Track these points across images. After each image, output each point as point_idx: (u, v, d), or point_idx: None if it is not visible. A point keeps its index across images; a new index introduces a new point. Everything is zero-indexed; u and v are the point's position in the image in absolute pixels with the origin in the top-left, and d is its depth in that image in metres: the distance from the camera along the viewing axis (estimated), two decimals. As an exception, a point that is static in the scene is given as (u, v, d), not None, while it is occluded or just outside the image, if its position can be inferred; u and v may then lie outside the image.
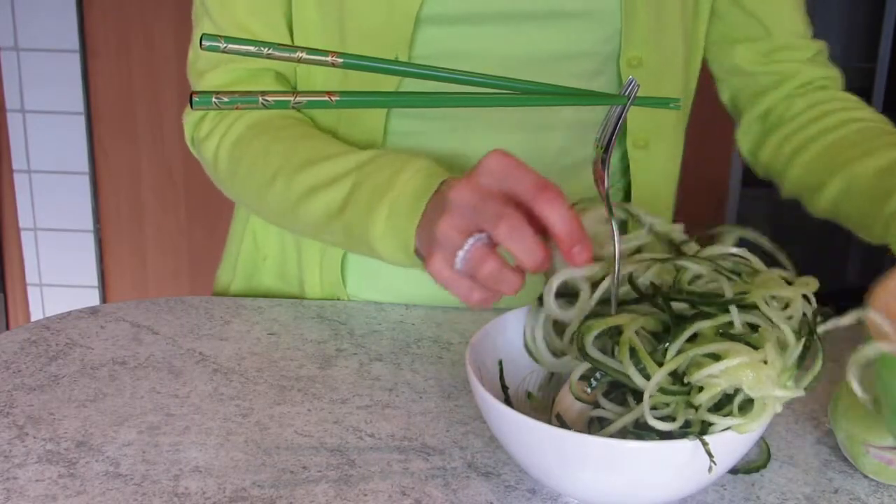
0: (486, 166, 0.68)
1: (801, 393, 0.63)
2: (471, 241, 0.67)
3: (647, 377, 0.62)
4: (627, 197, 1.00)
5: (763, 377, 0.61)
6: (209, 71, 0.93)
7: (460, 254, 0.67)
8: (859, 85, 3.32)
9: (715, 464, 0.62)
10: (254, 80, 0.93)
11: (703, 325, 0.63)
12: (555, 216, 0.65)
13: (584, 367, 0.65)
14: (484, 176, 0.68)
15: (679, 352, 0.62)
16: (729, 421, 0.62)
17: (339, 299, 0.98)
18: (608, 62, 0.92)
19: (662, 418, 0.63)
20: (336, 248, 0.95)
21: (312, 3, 0.90)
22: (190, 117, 0.96)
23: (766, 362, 0.61)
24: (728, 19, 0.99)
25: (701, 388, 0.61)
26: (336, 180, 0.82)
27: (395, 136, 0.93)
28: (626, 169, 0.99)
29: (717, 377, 0.61)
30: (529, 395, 0.74)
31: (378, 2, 0.87)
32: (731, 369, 0.61)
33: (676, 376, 0.62)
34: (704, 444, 0.61)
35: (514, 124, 0.92)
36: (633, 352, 0.62)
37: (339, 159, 0.84)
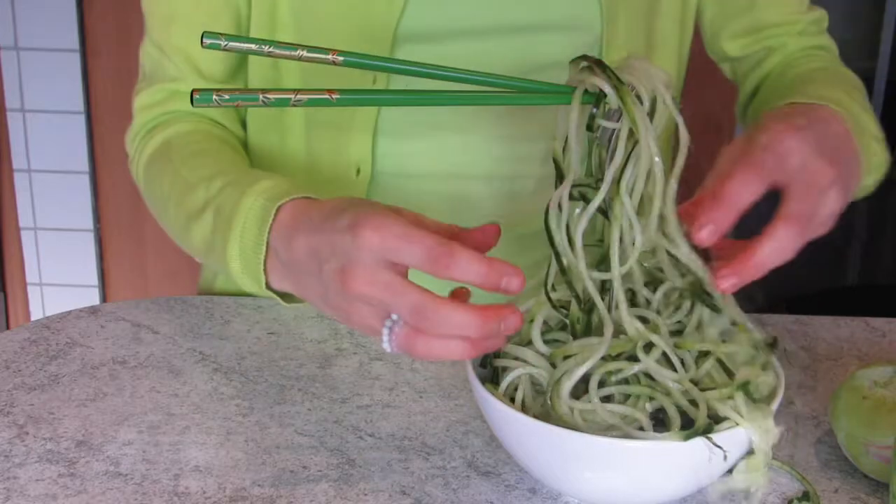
0: (362, 247, 0.61)
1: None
2: (385, 330, 0.63)
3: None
4: None
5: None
6: (143, 90, 0.95)
7: (384, 345, 0.63)
8: (859, 84, 3.31)
9: (726, 457, 0.62)
10: (181, 98, 0.93)
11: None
12: (464, 276, 0.60)
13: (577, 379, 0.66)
14: (367, 257, 0.61)
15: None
16: (732, 413, 0.62)
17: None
18: None
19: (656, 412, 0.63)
20: None
21: (290, 26, 0.89)
22: (126, 138, 0.96)
23: None
24: (718, 2, 0.99)
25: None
26: (203, 210, 0.80)
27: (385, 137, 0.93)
28: None
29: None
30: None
31: (354, 22, 0.86)
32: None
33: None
34: (711, 440, 0.61)
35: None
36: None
37: (208, 185, 0.81)
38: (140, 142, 0.94)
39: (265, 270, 0.73)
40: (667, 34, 0.95)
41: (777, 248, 0.64)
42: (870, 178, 0.85)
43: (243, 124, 0.98)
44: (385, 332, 0.63)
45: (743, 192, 0.65)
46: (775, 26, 0.99)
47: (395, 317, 0.62)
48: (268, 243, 0.72)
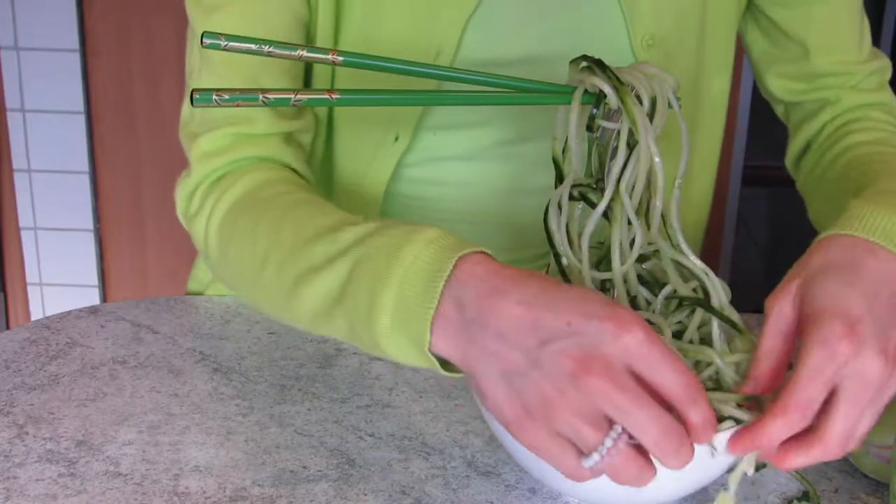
0: (627, 347, 0.56)
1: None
2: (608, 441, 0.56)
3: None
4: None
5: None
6: (202, 134, 0.82)
7: (594, 456, 0.57)
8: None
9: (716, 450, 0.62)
10: (250, 143, 0.82)
11: None
12: (696, 420, 0.57)
13: None
14: (621, 357, 0.56)
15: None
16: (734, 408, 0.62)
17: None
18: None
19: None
20: None
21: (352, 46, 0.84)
22: (182, 190, 0.83)
23: None
24: (768, 37, 0.95)
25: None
26: (332, 261, 0.67)
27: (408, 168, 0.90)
28: None
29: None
30: None
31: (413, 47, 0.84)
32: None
33: None
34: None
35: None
36: None
37: (336, 234, 0.69)
38: (208, 196, 0.81)
39: (432, 331, 0.61)
40: (714, 93, 0.92)
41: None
42: None
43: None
44: (607, 443, 0.56)
45: (808, 405, 0.60)
46: (831, 76, 0.93)
47: (619, 429, 0.56)
48: (441, 296, 0.60)
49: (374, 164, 0.90)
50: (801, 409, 0.59)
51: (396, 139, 0.88)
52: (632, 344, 0.55)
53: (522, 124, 0.88)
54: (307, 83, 0.88)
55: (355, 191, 0.91)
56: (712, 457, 0.62)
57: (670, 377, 0.56)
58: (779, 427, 0.59)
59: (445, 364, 0.62)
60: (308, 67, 0.87)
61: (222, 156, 0.81)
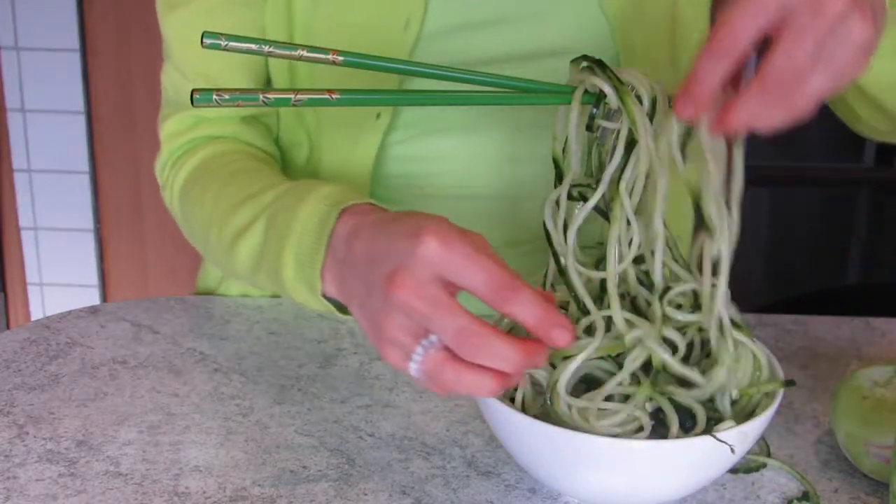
0: (423, 257, 0.58)
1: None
2: (420, 349, 0.59)
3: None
4: None
5: None
6: (169, 116, 0.93)
7: (412, 365, 0.60)
8: (859, 85, 3.31)
9: (734, 451, 0.62)
10: (208, 124, 0.91)
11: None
12: (522, 316, 0.58)
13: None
14: (424, 269, 0.58)
15: None
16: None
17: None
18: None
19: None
20: None
21: (301, 32, 0.87)
22: (156, 168, 0.94)
23: None
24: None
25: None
26: (252, 224, 0.77)
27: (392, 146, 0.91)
28: None
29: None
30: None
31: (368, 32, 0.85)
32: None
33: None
34: (716, 438, 0.61)
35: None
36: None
37: (256, 200, 0.78)
38: (171, 170, 0.91)
39: (323, 278, 0.69)
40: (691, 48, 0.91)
41: (755, 110, 0.57)
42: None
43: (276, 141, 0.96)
44: (419, 350, 0.59)
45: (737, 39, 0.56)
46: None
47: (433, 338, 0.59)
48: (327, 247, 0.68)
49: (358, 144, 0.89)
50: (726, 39, 0.56)
51: (378, 116, 0.88)
52: (427, 254, 0.58)
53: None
54: (268, 81, 0.92)
55: (342, 177, 0.91)
56: (711, 461, 0.62)
57: (472, 277, 0.58)
58: (707, 65, 0.57)
59: (344, 308, 0.69)
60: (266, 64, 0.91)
61: (184, 135, 0.91)
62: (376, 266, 0.61)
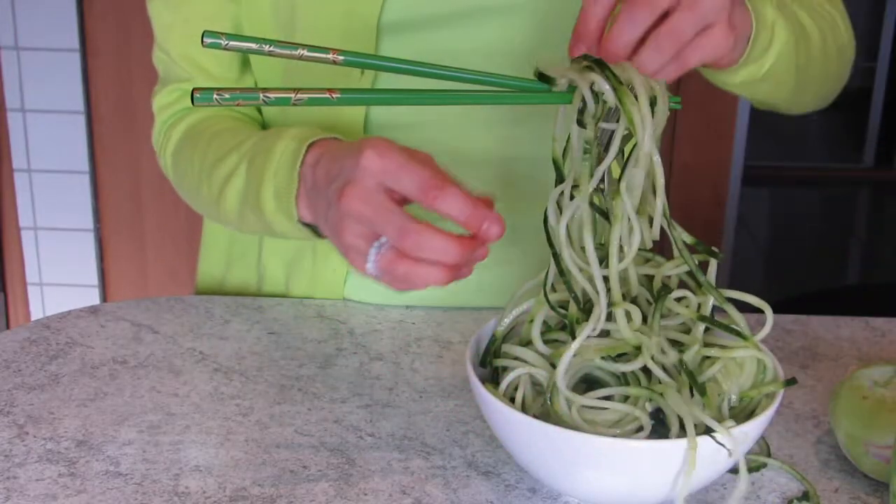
0: (365, 168, 0.66)
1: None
2: (373, 251, 0.67)
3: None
4: None
5: None
6: (159, 91, 0.99)
7: (369, 265, 0.68)
8: (859, 84, 3.32)
9: (730, 454, 0.62)
10: (186, 98, 0.96)
11: None
12: (450, 210, 0.64)
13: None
14: (366, 178, 0.66)
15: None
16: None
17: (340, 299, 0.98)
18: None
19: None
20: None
21: (269, 28, 0.90)
22: (154, 136, 1.00)
23: None
24: None
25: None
26: (235, 170, 0.84)
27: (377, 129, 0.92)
28: None
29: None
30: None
31: (335, 18, 0.86)
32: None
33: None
34: (715, 440, 0.61)
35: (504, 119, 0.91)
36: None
37: (239, 148, 0.85)
38: (163, 137, 0.98)
39: (297, 205, 0.77)
40: None
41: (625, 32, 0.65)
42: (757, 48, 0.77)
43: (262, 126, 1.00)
44: (372, 251, 0.67)
45: None
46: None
47: (383, 240, 0.66)
48: (299, 177, 0.76)
49: (342, 111, 0.90)
50: None
51: (363, 73, 0.89)
52: (368, 164, 0.66)
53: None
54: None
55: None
56: (712, 460, 0.62)
57: (407, 181, 0.65)
58: (590, 8, 0.66)
59: (320, 233, 0.78)
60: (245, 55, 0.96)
61: (173, 106, 0.98)
62: (332, 182, 0.70)
